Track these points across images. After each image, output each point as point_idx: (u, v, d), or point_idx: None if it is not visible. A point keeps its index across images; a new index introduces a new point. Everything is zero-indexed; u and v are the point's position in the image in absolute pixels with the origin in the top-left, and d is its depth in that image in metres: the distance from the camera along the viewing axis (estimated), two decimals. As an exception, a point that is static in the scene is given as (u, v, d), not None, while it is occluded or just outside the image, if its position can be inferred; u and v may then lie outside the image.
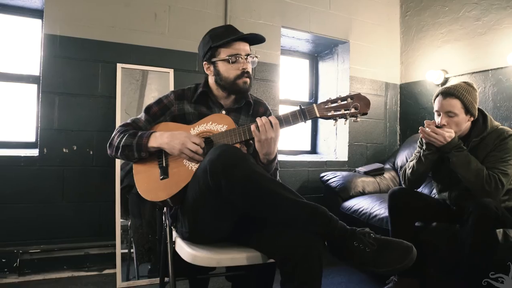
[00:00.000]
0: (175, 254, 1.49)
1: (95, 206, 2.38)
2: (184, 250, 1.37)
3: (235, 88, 1.55)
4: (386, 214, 2.21)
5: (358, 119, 1.38)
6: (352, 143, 3.40)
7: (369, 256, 1.18)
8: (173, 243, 1.51)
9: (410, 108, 3.56)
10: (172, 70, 2.56)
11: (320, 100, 3.66)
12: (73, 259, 2.32)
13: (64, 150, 2.31)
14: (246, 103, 1.64)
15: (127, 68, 2.44)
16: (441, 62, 3.24)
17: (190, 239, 1.42)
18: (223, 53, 1.52)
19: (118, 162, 2.32)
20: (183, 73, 2.62)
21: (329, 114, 1.36)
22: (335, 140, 3.51)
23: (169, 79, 2.53)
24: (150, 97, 2.47)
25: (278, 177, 1.57)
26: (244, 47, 1.54)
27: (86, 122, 2.37)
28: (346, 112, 1.35)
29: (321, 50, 3.64)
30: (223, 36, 1.53)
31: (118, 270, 2.21)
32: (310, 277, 1.18)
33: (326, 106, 1.37)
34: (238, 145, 1.41)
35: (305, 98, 3.70)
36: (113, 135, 1.54)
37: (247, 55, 1.54)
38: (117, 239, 2.26)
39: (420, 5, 3.46)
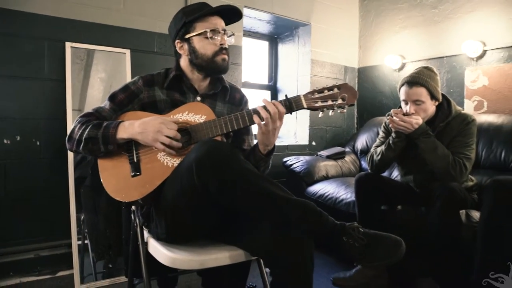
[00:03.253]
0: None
1: (45, 203, 2.14)
2: (161, 252, 1.27)
3: (213, 66, 1.43)
4: (352, 198, 2.25)
5: (345, 110, 1.33)
6: (312, 126, 3.41)
7: (360, 251, 1.15)
8: (145, 244, 1.39)
9: (368, 92, 3.62)
10: (129, 50, 2.33)
11: (279, 83, 3.61)
12: (21, 264, 2.07)
13: (5, 141, 2.03)
14: (223, 89, 1.53)
15: (77, 48, 2.18)
16: (398, 48, 3.31)
17: (167, 240, 1.31)
18: (199, 27, 1.40)
19: (71, 153, 2.10)
20: (141, 54, 2.40)
21: (317, 105, 1.29)
22: (295, 124, 3.49)
23: (126, 60, 2.31)
24: (109, 81, 2.26)
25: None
26: (220, 23, 1.43)
27: (31, 109, 2.09)
28: (333, 103, 1.29)
29: (281, 32, 3.56)
30: (197, 11, 1.41)
31: (76, 271, 2.02)
32: (303, 278, 1.14)
33: (313, 97, 1.30)
34: (219, 138, 1.31)
35: (265, 81, 3.62)
36: (73, 127, 1.35)
37: (224, 30, 1.43)
38: (73, 237, 2.06)
39: (380, -11, 3.49)
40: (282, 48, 3.62)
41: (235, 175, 1.10)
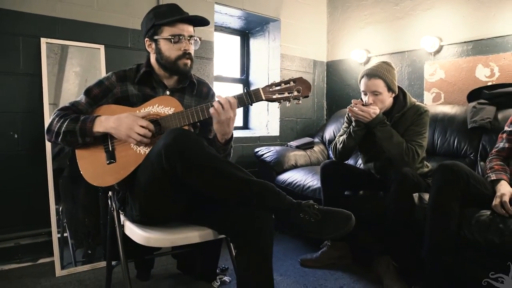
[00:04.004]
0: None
1: (24, 193, 2.22)
2: (136, 233, 1.39)
3: (175, 69, 1.55)
4: (319, 185, 2.36)
5: (300, 101, 1.47)
6: (283, 118, 3.55)
7: (315, 226, 1.30)
8: (121, 226, 1.51)
9: (336, 85, 3.79)
10: (103, 46, 2.41)
11: (251, 77, 3.74)
12: (1, 252, 2.15)
13: (-17, 134, 2.11)
14: (190, 83, 1.66)
15: (52, 43, 2.25)
16: (364, 42, 3.48)
17: (141, 222, 1.44)
18: (166, 31, 1.51)
19: (49, 144, 2.18)
20: (115, 49, 2.48)
21: (274, 97, 1.43)
22: (266, 116, 3.63)
23: (100, 55, 2.39)
24: (84, 76, 2.33)
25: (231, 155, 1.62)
26: (187, 28, 1.54)
27: (7, 103, 2.16)
28: (289, 95, 1.44)
29: (253, 27, 3.68)
30: (167, 15, 1.52)
31: (57, 257, 2.11)
32: (263, 249, 1.28)
33: (271, 89, 1.44)
34: (186, 127, 1.43)
35: (237, 74, 3.74)
36: (51, 119, 1.46)
37: (190, 36, 1.55)
38: (53, 226, 2.15)
39: (345, -13, 3.65)
40: (254, 43, 3.74)
41: (199, 159, 1.24)
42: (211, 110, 1.39)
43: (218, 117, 1.38)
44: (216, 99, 1.40)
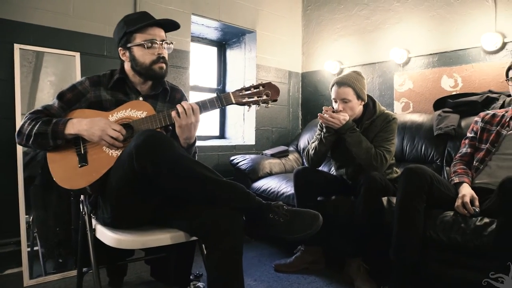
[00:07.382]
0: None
1: (-8, 201, 2.17)
2: (107, 235, 1.39)
3: (151, 74, 1.57)
4: (292, 191, 2.41)
5: (269, 105, 1.52)
6: (259, 127, 3.60)
7: (284, 225, 1.34)
8: (93, 230, 1.51)
9: (310, 95, 3.89)
10: (79, 53, 2.41)
11: (227, 87, 3.80)
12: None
13: (-49, 140, 2.07)
14: (163, 90, 1.68)
15: (26, 50, 2.23)
16: (337, 54, 3.60)
17: (112, 225, 1.44)
18: (138, 38, 1.54)
19: (20, 153, 2.14)
20: (90, 57, 2.48)
21: (244, 100, 1.48)
22: (242, 125, 3.67)
23: (75, 62, 2.39)
24: (60, 85, 2.32)
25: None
26: (159, 33, 1.57)
27: (-23, 108, 2.13)
28: (259, 99, 1.49)
29: (229, 38, 3.75)
30: (138, 22, 1.55)
31: (25, 267, 2.06)
32: (233, 248, 1.29)
33: (241, 94, 1.49)
34: (159, 130, 1.46)
35: (214, 84, 3.78)
36: (22, 122, 1.46)
37: (162, 41, 1.58)
38: (22, 236, 2.10)
39: (320, 1, 3.77)
40: (230, 54, 3.81)
41: (169, 159, 1.26)
42: (172, 113, 1.42)
43: (179, 122, 1.42)
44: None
